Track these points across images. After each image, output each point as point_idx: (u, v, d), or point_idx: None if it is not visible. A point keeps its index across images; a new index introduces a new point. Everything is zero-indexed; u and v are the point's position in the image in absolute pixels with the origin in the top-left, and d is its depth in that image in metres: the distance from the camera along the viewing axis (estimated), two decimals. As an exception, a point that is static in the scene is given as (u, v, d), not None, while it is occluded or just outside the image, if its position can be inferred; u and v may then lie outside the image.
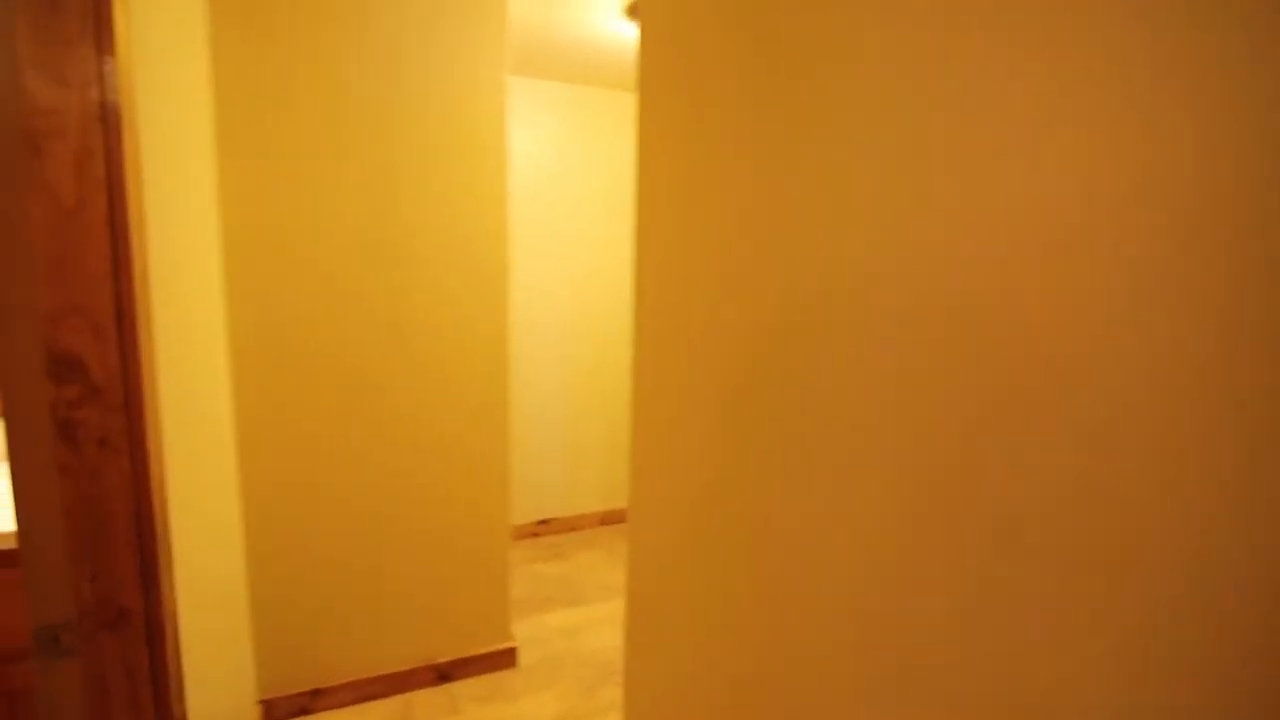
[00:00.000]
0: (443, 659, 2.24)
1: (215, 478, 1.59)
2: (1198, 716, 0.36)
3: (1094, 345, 0.41)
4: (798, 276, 0.64)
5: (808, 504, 0.65)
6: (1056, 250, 0.42)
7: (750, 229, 0.71)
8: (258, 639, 1.96)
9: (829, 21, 0.60)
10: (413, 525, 2.15)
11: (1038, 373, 0.43)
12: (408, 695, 2.18)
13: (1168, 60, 0.37)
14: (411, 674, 2.19)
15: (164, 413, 1.07)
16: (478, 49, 2.04)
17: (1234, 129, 0.34)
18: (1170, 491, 0.37)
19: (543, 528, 3.56)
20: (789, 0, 0.65)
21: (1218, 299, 0.35)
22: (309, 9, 1.81)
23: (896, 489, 0.54)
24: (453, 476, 2.19)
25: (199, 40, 1.59)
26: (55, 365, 0.85)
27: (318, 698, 2.05)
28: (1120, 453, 0.39)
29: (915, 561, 0.53)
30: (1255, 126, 0.33)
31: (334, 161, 1.89)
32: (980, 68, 0.47)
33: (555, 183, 3.37)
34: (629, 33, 2.63)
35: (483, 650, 2.31)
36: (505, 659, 2.34)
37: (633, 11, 2.37)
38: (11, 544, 1.17)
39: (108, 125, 0.87)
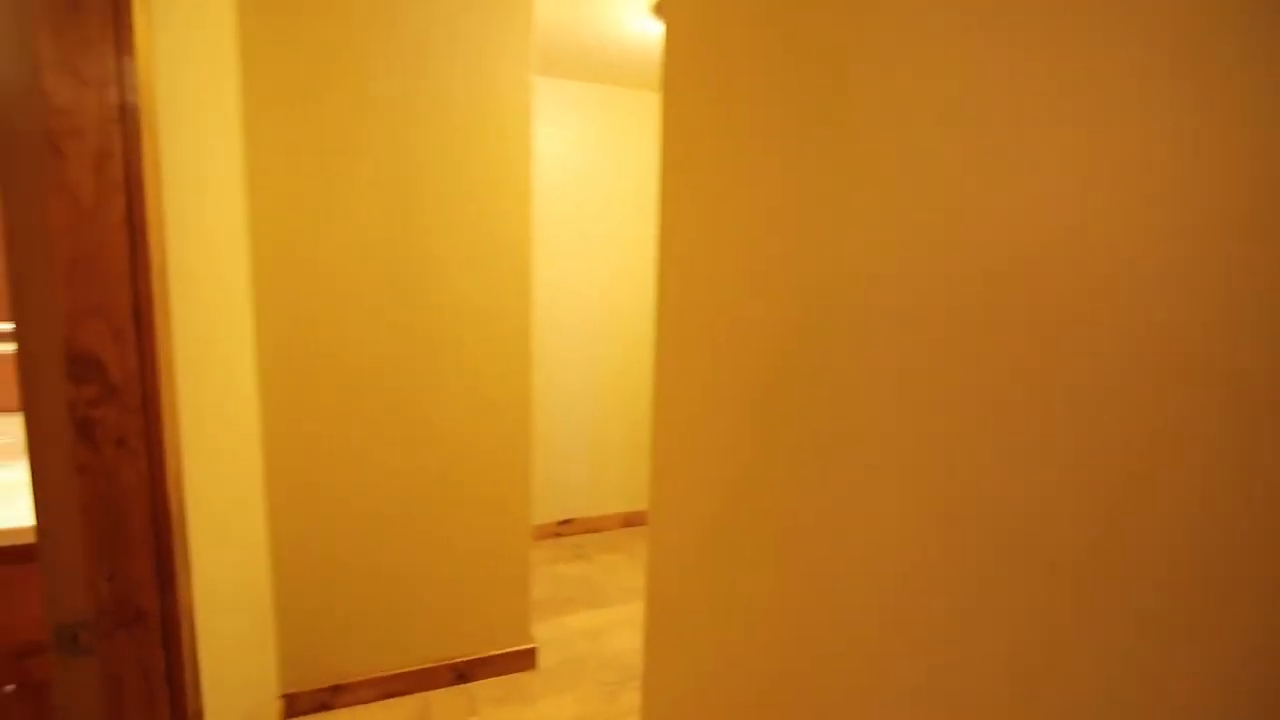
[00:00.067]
0: (462, 659, 2.24)
1: (240, 477, 1.60)
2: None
3: (1121, 338, 0.38)
4: (829, 273, 0.63)
5: (838, 502, 0.64)
6: (1100, 249, 0.40)
7: (779, 225, 0.71)
8: (281, 635, 1.98)
9: (859, 15, 0.59)
10: (434, 524, 2.15)
11: (1080, 373, 0.42)
12: (427, 694, 2.18)
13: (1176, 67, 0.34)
14: (431, 673, 2.19)
15: (185, 413, 1.08)
16: (503, 48, 2.03)
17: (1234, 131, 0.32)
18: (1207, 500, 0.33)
19: (565, 528, 3.56)
20: (816, -11, 0.63)
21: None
22: (336, 10, 1.82)
23: (929, 487, 0.53)
24: (474, 477, 2.19)
25: (227, 40, 1.61)
26: (74, 365, 0.86)
27: (338, 693, 2.07)
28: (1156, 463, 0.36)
29: (948, 561, 0.52)
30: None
31: (357, 160, 1.90)
32: (1013, 63, 0.45)
33: (584, 183, 3.36)
34: (655, 31, 2.60)
35: (502, 651, 2.30)
36: (525, 660, 2.33)
37: (659, 9, 2.34)
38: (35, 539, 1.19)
39: (127, 125, 0.87)
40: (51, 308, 0.85)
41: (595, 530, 3.64)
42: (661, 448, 0.98)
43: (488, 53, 2.01)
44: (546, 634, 2.58)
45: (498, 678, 2.29)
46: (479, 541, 2.23)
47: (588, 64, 3.03)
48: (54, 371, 0.86)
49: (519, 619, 2.33)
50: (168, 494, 0.94)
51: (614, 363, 3.56)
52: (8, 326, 1.49)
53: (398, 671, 2.15)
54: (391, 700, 2.13)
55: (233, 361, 1.54)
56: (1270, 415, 0.32)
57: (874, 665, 0.60)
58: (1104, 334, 0.40)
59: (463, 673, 2.24)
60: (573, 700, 2.18)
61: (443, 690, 2.21)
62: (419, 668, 2.18)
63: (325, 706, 2.05)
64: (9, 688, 1.19)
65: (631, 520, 3.73)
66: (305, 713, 2.03)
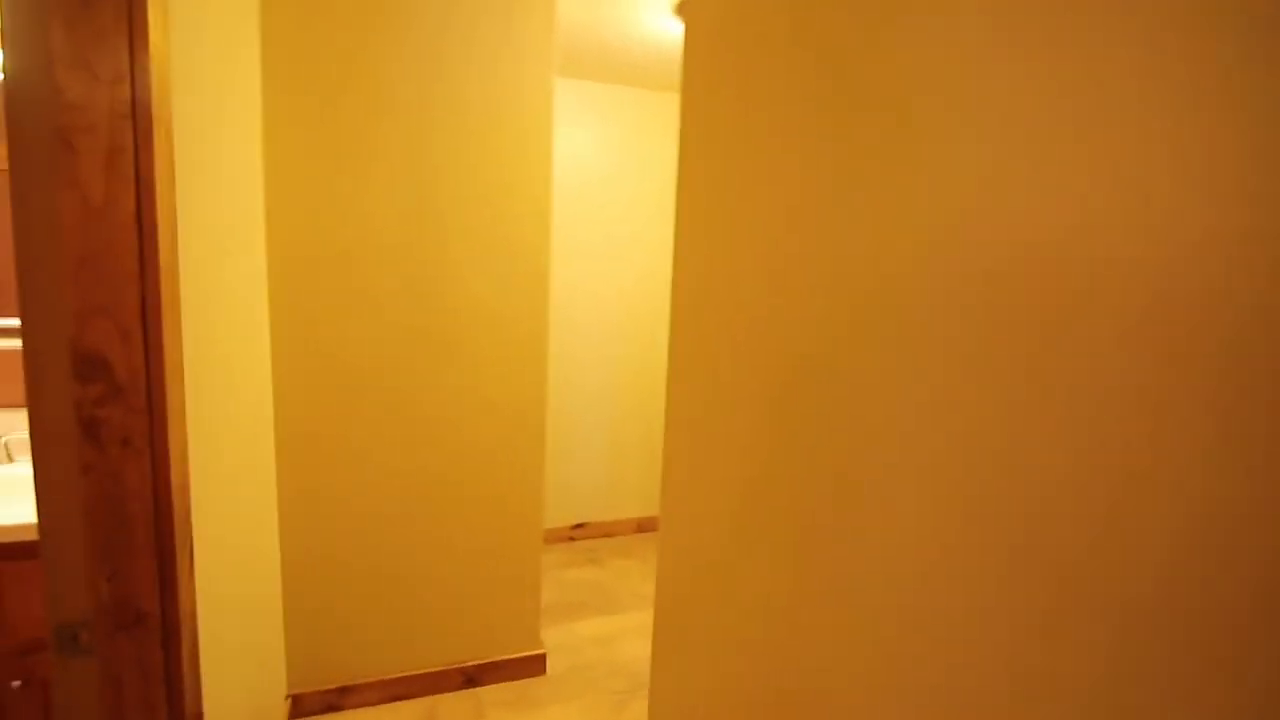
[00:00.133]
0: (471, 662, 2.23)
1: (251, 479, 1.60)
2: None
3: (1154, 349, 0.37)
4: (848, 273, 0.63)
5: (858, 500, 0.63)
6: (1100, 249, 0.41)
7: (798, 225, 0.70)
8: (289, 635, 1.98)
9: (876, 17, 0.59)
10: (444, 528, 2.14)
11: (1099, 376, 0.41)
12: (435, 697, 2.17)
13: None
14: (439, 676, 2.18)
15: (192, 414, 1.07)
16: (523, 49, 2.01)
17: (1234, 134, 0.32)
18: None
19: (578, 531, 3.53)
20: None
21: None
22: (355, 10, 1.81)
23: (949, 485, 0.53)
24: (486, 480, 2.17)
25: (246, 40, 1.61)
26: (80, 364, 0.85)
27: (346, 695, 2.06)
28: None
29: (968, 560, 0.51)
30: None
31: (374, 162, 1.90)
32: (1022, 63, 0.45)
33: (607, 185, 3.35)
34: (678, 32, 2.58)
35: (511, 655, 2.28)
36: (534, 665, 2.31)
37: (680, 9, 2.32)
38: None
39: (139, 122, 0.86)
40: (59, 306, 0.84)
41: (609, 535, 3.61)
42: (674, 446, 0.97)
43: (505, 55, 1.99)
44: (556, 639, 2.56)
45: (506, 683, 2.27)
46: (490, 545, 2.21)
47: (611, 65, 3.01)
48: (60, 370, 0.85)
49: (529, 624, 2.31)
50: (172, 496, 0.93)
51: (631, 365, 3.54)
52: (14, 323, 1.51)
53: (406, 674, 2.14)
54: (399, 703, 2.12)
55: (244, 363, 1.54)
56: (1270, 415, 0.32)
57: (893, 664, 0.59)
58: (1104, 333, 0.40)
59: (471, 676, 2.22)
60: (580, 708, 2.15)
61: (451, 694, 2.19)
62: (427, 670, 2.17)
63: (333, 708, 2.05)
64: (15, 683, 1.19)
65: (645, 525, 3.69)
66: (313, 713, 2.02)
